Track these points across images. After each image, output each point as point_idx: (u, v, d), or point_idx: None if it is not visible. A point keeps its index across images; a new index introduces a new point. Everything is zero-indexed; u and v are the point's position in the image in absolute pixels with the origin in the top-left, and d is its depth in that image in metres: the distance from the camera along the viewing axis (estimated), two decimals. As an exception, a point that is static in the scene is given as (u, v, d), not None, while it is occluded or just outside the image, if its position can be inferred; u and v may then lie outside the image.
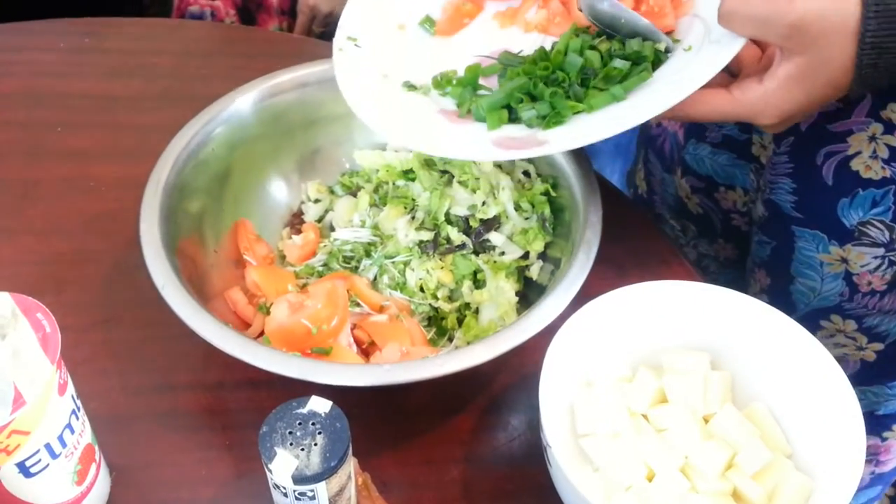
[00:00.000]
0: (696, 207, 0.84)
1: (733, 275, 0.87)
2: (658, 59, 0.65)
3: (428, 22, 0.75)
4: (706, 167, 0.82)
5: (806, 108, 0.58)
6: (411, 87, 0.71)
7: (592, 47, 0.66)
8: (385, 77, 0.71)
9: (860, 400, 0.57)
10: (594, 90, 0.64)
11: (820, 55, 0.55)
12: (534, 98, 0.66)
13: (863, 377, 0.77)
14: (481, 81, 0.70)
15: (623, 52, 0.65)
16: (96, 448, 0.59)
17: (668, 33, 0.67)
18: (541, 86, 0.65)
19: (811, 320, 0.76)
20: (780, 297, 0.77)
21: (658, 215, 0.91)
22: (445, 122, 0.68)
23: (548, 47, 0.69)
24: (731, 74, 0.62)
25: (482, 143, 0.64)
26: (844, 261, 0.71)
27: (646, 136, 0.92)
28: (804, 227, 0.72)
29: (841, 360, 0.75)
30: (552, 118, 0.64)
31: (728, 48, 0.59)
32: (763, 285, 0.78)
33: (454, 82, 0.70)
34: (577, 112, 0.64)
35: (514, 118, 0.66)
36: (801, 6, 0.53)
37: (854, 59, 0.54)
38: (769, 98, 0.58)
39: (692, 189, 0.84)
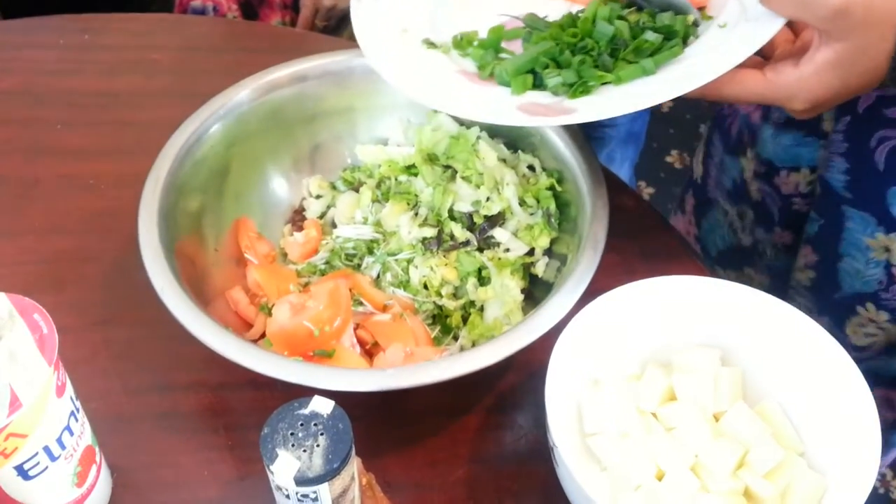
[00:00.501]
0: (756, 193, 0.83)
1: (791, 257, 0.85)
2: (687, 34, 0.64)
3: None
4: (767, 150, 0.80)
5: (839, 95, 0.57)
6: (431, 44, 0.69)
7: (622, 17, 0.65)
8: (405, 32, 0.70)
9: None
10: (623, 62, 0.63)
11: (860, 43, 0.54)
12: (559, 65, 0.64)
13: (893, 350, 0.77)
14: (504, 45, 0.68)
15: (654, 25, 0.64)
16: (97, 449, 0.58)
17: (700, 9, 0.65)
18: (567, 53, 0.63)
19: (850, 303, 0.75)
20: (827, 274, 0.76)
21: (711, 200, 0.89)
22: (466, 82, 0.66)
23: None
24: (762, 56, 0.61)
25: (506, 107, 0.63)
26: (887, 250, 0.70)
27: (714, 117, 0.90)
28: (854, 207, 0.71)
29: (866, 348, 0.75)
30: (579, 87, 0.62)
31: (766, 27, 0.58)
32: (809, 261, 0.77)
33: (475, 44, 0.68)
34: (605, 83, 0.62)
35: (537, 84, 0.65)
36: None
37: (893, 51, 0.53)
38: (804, 83, 0.57)
39: (754, 174, 0.82)
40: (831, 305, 0.77)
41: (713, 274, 0.91)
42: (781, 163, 0.80)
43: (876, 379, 0.76)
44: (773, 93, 0.59)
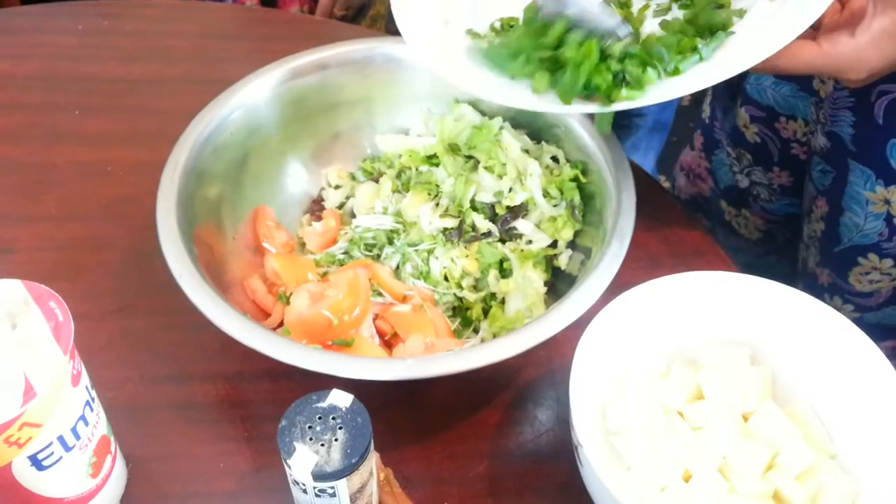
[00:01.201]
0: (753, 136, 0.84)
1: (785, 202, 0.88)
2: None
3: None
4: (768, 97, 0.81)
5: (895, 64, 0.57)
6: (476, 35, 0.68)
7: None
8: (446, 24, 0.68)
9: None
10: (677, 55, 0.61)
11: None
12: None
13: None
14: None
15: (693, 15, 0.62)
16: (112, 440, 0.57)
17: None
18: (614, 63, 0.61)
19: (851, 255, 0.76)
20: (831, 227, 0.77)
21: (717, 140, 0.91)
22: None
23: None
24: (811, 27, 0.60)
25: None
26: (887, 202, 0.71)
27: None
28: (857, 161, 0.72)
29: (873, 293, 0.76)
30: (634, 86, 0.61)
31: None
32: (822, 213, 0.78)
33: (514, 38, 0.65)
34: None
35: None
36: None
37: None
38: (861, 53, 0.57)
39: (751, 118, 0.84)
40: (832, 258, 0.78)
41: (719, 206, 0.94)
42: (782, 110, 0.81)
43: (885, 331, 0.76)
44: (831, 64, 0.58)
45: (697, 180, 0.97)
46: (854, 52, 0.57)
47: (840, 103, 0.71)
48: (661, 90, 0.60)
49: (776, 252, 0.94)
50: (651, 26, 0.66)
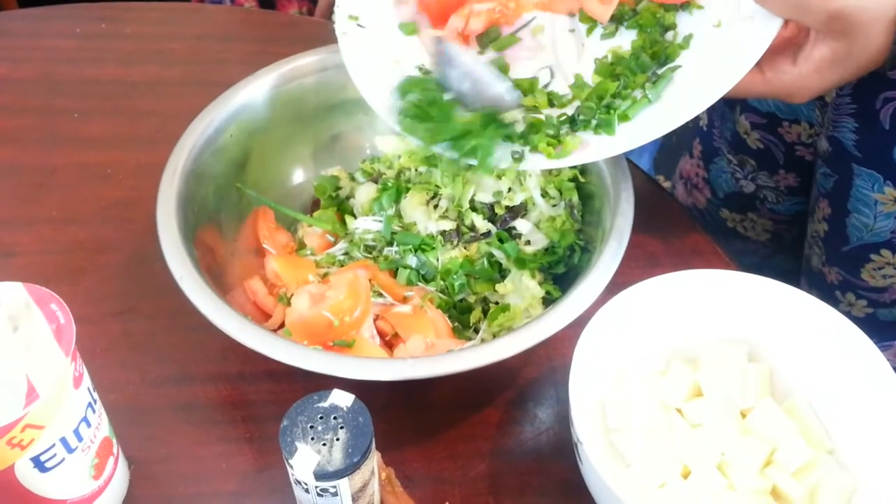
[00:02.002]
0: (755, 143, 0.84)
1: (794, 201, 0.88)
2: (672, 24, 0.62)
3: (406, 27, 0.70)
4: (768, 104, 0.82)
5: (839, 85, 0.58)
6: (427, 72, 0.68)
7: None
8: (398, 63, 0.68)
9: None
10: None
11: (857, 42, 0.55)
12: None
13: None
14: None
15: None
16: (114, 441, 0.57)
17: (687, 5, 0.64)
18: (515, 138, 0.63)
19: (861, 253, 0.76)
20: (837, 228, 0.77)
21: (716, 148, 0.91)
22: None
23: (550, 24, 0.66)
24: None
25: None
26: None
27: None
28: (862, 165, 0.72)
29: (888, 288, 0.76)
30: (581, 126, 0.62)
31: (765, 29, 0.57)
32: (825, 214, 0.78)
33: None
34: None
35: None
36: None
37: (892, 44, 0.54)
38: (804, 80, 0.58)
39: (752, 125, 0.84)
40: (840, 257, 0.78)
41: (720, 215, 0.94)
42: (784, 115, 0.81)
43: None
44: (774, 91, 0.59)
45: (694, 191, 0.96)
46: (797, 80, 0.58)
47: (842, 109, 0.71)
48: (604, 145, 0.60)
49: (783, 251, 0.94)
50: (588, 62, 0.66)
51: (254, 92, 0.73)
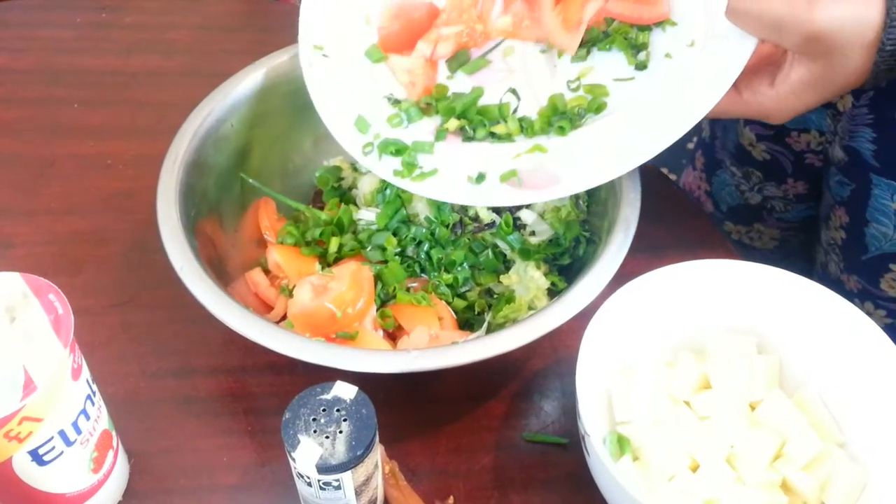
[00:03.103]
0: (761, 154, 0.83)
1: (803, 206, 0.86)
2: (644, 43, 0.62)
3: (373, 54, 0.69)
4: None
5: (818, 105, 0.57)
6: (395, 102, 0.67)
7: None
8: (364, 93, 0.67)
9: None
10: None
11: (835, 64, 0.54)
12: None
13: None
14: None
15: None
16: (114, 434, 0.57)
17: (661, 22, 0.63)
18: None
19: (880, 263, 0.74)
20: (855, 238, 0.75)
21: (718, 160, 0.90)
22: (445, 146, 0.63)
23: (520, 46, 0.66)
24: None
25: (490, 179, 0.61)
26: None
27: None
28: (881, 175, 0.70)
29: None
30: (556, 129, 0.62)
31: (740, 49, 0.56)
32: (842, 222, 0.77)
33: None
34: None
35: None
36: (821, 17, 0.51)
37: (871, 65, 0.53)
38: (781, 102, 0.57)
39: (757, 137, 0.82)
40: (859, 265, 0.76)
41: (723, 228, 0.92)
42: (792, 125, 0.80)
43: None
44: (751, 112, 0.58)
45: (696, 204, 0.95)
46: (775, 102, 0.57)
47: (859, 120, 0.70)
48: (589, 170, 0.59)
49: (791, 256, 0.92)
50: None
51: (255, 82, 0.72)
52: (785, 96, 0.56)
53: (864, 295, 0.76)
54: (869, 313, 0.77)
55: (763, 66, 0.58)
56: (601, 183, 0.59)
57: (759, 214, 0.89)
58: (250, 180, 0.71)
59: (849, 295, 0.78)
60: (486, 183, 0.61)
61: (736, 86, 0.57)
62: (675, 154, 1.03)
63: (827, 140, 0.78)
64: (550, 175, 0.60)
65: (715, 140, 0.90)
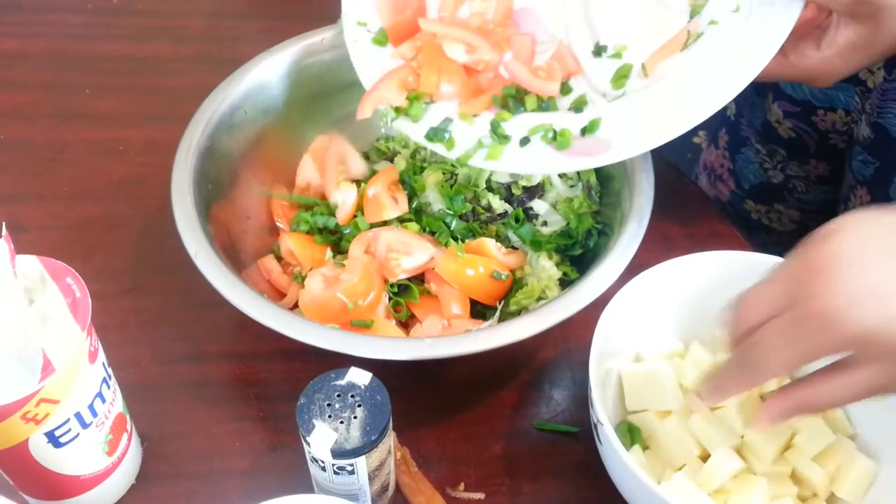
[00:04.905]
0: (787, 132, 0.83)
1: (823, 189, 0.86)
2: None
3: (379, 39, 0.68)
4: (804, 92, 0.80)
5: (862, 68, 0.58)
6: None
7: None
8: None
9: None
10: None
11: (882, 25, 0.54)
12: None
13: None
14: None
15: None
16: (128, 418, 0.57)
17: None
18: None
19: None
20: None
21: (743, 138, 0.90)
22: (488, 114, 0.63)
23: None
24: None
25: (540, 147, 0.61)
26: None
27: None
28: None
29: None
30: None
31: (786, 12, 0.56)
32: (863, 202, 0.77)
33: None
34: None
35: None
36: None
37: None
38: (828, 64, 0.57)
39: (785, 114, 0.83)
40: None
41: (744, 207, 0.92)
42: (820, 103, 0.80)
43: None
44: (798, 74, 0.59)
45: (718, 182, 0.95)
46: (821, 64, 0.57)
47: (889, 95, 0.70)
48: (632, 141, 0.59)
49: None
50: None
51: (268, 69, 0.72)
52: (831, 59, 0.57)
53: None
54: None
55: (808, 30, 0.58)
56: (653, 147, 0.58)
57: (781, 194, 0.89)
58: (271, 193, 0.72)
59: None
60: (535, 148, 0.61)
61: (783, 50, 0.57)
62: (681, 149, 1.03)
63: (853, 119, 0.78)
64: (600, 142, 0.59)
65: (741, 118, 0.90)
